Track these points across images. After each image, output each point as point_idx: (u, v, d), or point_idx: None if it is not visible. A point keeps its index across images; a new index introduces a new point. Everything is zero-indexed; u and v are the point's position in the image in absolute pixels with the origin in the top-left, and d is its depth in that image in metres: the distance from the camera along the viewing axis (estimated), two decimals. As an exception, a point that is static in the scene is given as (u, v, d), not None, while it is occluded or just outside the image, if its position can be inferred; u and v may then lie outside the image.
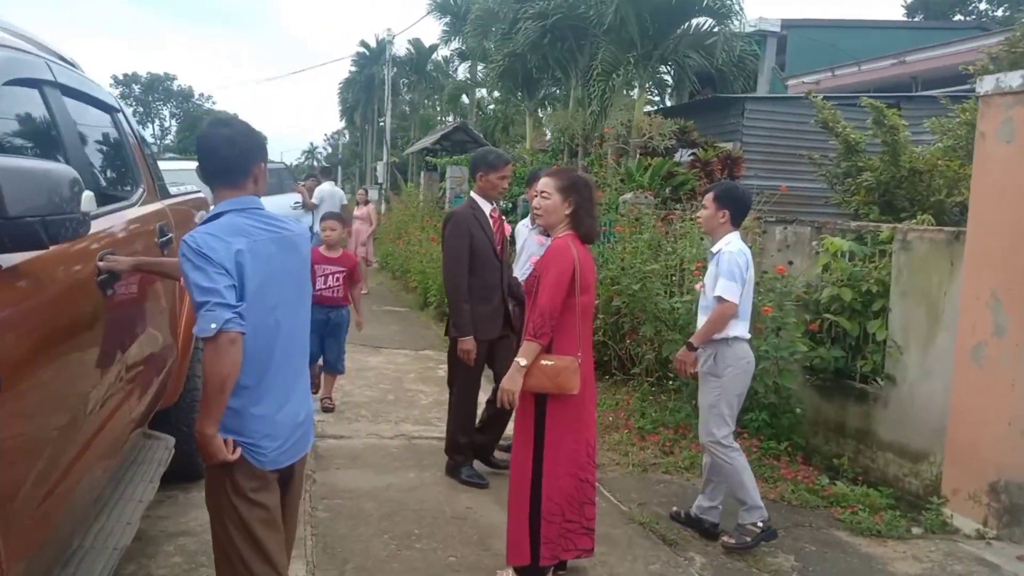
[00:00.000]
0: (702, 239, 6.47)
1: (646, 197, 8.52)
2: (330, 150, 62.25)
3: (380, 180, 30.94)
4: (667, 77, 13.37)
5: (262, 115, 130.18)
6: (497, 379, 4.10)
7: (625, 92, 11.44)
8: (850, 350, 5.69)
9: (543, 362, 3.25)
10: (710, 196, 4.24)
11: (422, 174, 22.49)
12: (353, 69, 45.13)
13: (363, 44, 42.45)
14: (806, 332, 5.79)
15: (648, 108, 12.67)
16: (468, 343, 4.50)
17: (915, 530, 4.58)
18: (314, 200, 12.32)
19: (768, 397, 5.43)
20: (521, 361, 3.25)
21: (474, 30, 14.75)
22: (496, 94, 17.82)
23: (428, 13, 21.30)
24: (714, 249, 4.17)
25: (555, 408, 3.31)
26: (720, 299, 3.96)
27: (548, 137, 13.87)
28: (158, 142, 59.90)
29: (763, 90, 16.23)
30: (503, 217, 4.86)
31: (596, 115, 10.96)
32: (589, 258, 3.42)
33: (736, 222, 4.20)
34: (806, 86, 15.77)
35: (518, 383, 3.24)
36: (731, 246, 4.08)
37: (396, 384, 6.85)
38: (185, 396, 4.02)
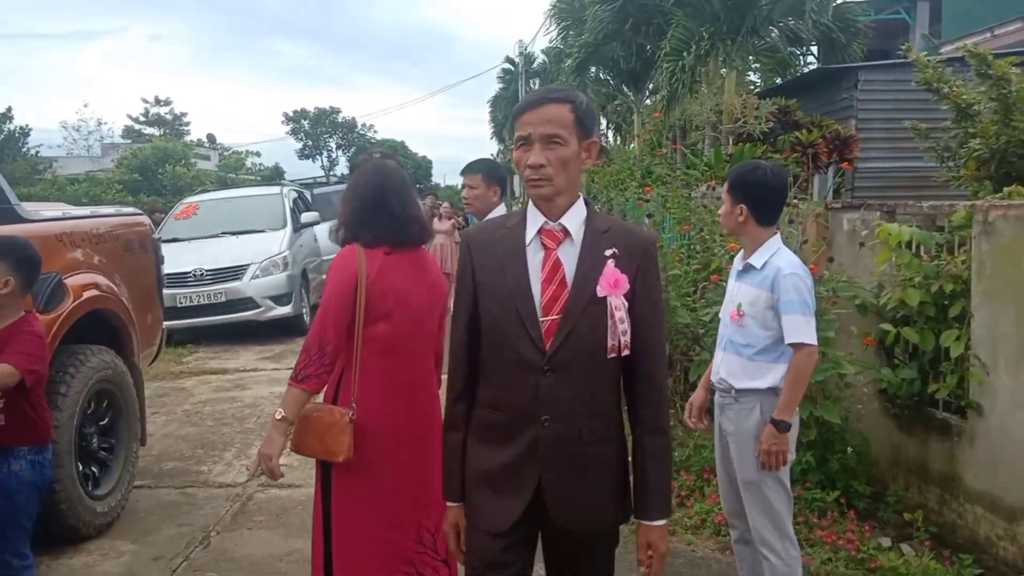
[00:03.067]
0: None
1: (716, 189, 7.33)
2: (492, 168, 63.03)
3: (517, 194, 30.54)
4: (780, 53, 11.82)
5: (427, 140, 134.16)
6: None
7: (722, 73, 10.18)
8: (928, 369, 4.36)
9: (314, 414, 2.42)
10: (726, 185, 3.10)
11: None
12: (500, 86, 45.29)
13: (508, 60, 42.42)
14: (880, 347, 4.54)
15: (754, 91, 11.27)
16: (451, 515, 2.11)
17: (997, 624, 3.29)
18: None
19: (807, 435, 4.22)
20: (278, 413, 2.42)
21: (559, 27, 13.84)
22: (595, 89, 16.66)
23: (546, 20, 20.42)
24: (755, 262, 2.99)
25: (340, 480, 2.44)
26: (798, 345, 2.84)
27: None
28: (327, 172, 62.91)
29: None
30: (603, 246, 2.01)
31: (666, 100, 9.76)
32: (404, 272, 2.52)
33: (764, 219, 3.01)
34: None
35: (276, 445, 2.42)
36: (785, 260, 2.93)
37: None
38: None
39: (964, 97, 6.30)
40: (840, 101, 10.10)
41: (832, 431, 4.30)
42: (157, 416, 6.24)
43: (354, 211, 2.53)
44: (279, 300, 9.53)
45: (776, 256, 2.96)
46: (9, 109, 32.21)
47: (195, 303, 9.20)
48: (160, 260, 4.91)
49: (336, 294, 2.41)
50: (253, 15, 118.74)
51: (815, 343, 2.86)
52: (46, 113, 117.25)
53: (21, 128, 33.51)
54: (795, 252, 5.04)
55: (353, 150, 68.45)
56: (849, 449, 4.30)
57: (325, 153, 71.49)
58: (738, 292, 3.08)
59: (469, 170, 4.10)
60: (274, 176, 52.70)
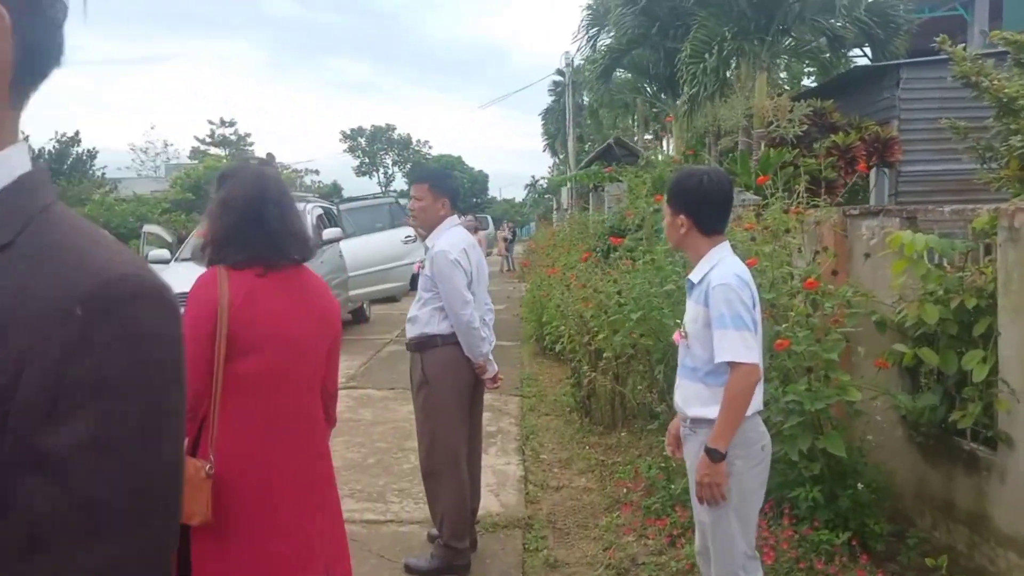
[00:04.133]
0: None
1: (745, 197, 6.88)
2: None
3: (565, 206, 30.17)
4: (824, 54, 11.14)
5: (484, 154, 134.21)
6: None
7: (757, 76, 9.64)
8: (954, 394, 3.87)
9: None
10: (666, 196, 2.84)
11: (590, 195, 21.43)
12: (552, 98, 45.05)
13: (559, 72, 42.16)
14: (905, 370, 4.06)
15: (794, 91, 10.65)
16: None
17: None
18: None
19: (811, 468, 3.76)
20: None
21: (587, 34, 13.37)
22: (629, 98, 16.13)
23: (579, 27, 19.55)
24: (695, 276, 2.73)
25: (201, 545, 2.09)
26: (733, 365, 2.52)
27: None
28: (383, 188, 63.63)
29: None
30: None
31: (688, 104, 9.25)
32: (282, 295, 2.19)
33: (708, 229, 2.72)
34: None
35: None
36: (721, 270, 2.62)
37: (396, 443, 5.79)
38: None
39: (1006, 91, 5.72)
40: (881, 101, 9.48)
41: (843, 464, 3.83)
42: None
43: (227, 227, 2.20)
44: (292, 318, 9.27)
45: (716, 268, 2.65)
46: (76, 133, 33.49)
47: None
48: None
49: (192, 328, 2.07)
50: (314, 35, 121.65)
51: (752, 360, 2.52)
52: (118, 135, 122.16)
53: (88, 151, 34.73)
54: (808, 264, 4.62)
55: (409, 166, 69.53)
56: (860, 485, 3.80)
57: (381, 170, 72.82)
58: (686, 311, 2.83)
59: (415, 178, 3.81)
60: (332, 193, 53.51)
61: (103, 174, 35.35)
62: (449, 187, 3.77)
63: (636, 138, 25.75)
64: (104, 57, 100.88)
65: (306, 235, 2.29)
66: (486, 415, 6.68)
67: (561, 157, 46.84)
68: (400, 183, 67.07)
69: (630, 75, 15.37)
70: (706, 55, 8.94)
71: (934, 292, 3.84)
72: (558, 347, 6.86)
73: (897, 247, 3.81)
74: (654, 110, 15.02)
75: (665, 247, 4.70)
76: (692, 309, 2.72)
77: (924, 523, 4.04)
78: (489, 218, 33.38)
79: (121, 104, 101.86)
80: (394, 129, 71.32)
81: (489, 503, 4.56)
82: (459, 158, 72.30)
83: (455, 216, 3.82)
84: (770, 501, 4.03)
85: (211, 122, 60.03)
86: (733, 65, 9.51)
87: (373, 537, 4.13)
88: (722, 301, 2.52)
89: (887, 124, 9.10)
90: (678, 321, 4.45)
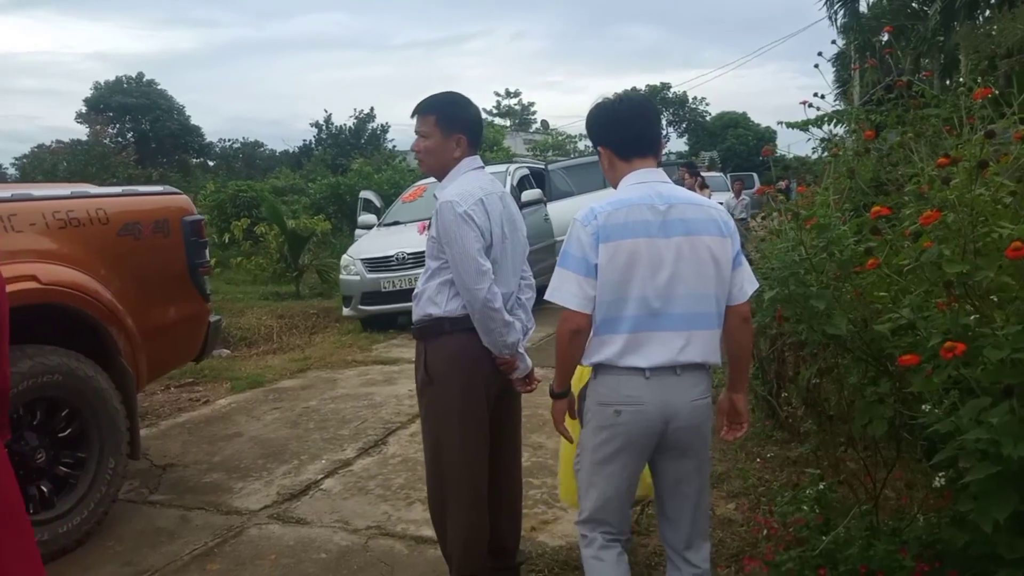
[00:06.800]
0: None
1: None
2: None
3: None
4: None
5: (774, 110, 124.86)
6: None
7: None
8: None
9: None
10: None
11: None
12: (843, 43, 40.58)
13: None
14: None
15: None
16: None
17: None
18: None
19: (1016, 550, 2.32)
20: None
21: None
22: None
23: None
24: None
25: None
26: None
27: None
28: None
29: None
30: None
31: (940, 17, 7.01)
32: None
33: (628, 153, 2.46)
34: None
35: None
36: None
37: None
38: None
39: None
40: None
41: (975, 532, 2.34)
42: (269, 414, 5.74)
43: None
44: (480, 282, 8.73)
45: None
46: (372, 110, 36.64)
47: (397, 287, 8.78)
48: (196, 244, 4.24)
49: None
50: (606, 4, 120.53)
51: (567, 304, 2.28)
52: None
53: (381, 126, 37.86)
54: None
55: (684, 125, 66.89)
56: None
57: (658, 129, 70.69)
58: None
59: (418, 110, 2.85)
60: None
61: (393, 146, 38.08)
62: (463, 120, 2.82)
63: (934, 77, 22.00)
64: (411, 41, 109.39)
65: None
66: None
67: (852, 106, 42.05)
68: (676, 144, 64.72)
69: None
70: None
71: None
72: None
73: None
74: (939, 38, 12.32)
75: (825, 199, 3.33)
76: None
77: None
78: (755, 176, 30.23)
79: (422, 83, 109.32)
80: (669, 88, 68.81)
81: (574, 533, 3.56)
82: (743, 114, 68.16)
83: (476, 158, 2.86)
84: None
85: (497, 93, 62.51)
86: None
87: (410, 561, 3.36)
88: (567, 237, 2.32)
89: None
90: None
